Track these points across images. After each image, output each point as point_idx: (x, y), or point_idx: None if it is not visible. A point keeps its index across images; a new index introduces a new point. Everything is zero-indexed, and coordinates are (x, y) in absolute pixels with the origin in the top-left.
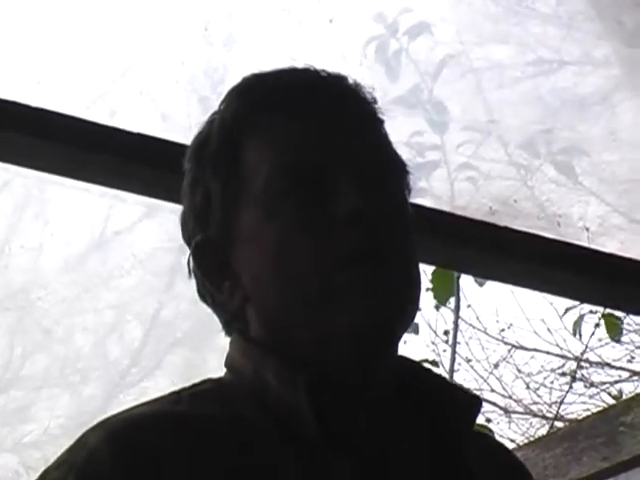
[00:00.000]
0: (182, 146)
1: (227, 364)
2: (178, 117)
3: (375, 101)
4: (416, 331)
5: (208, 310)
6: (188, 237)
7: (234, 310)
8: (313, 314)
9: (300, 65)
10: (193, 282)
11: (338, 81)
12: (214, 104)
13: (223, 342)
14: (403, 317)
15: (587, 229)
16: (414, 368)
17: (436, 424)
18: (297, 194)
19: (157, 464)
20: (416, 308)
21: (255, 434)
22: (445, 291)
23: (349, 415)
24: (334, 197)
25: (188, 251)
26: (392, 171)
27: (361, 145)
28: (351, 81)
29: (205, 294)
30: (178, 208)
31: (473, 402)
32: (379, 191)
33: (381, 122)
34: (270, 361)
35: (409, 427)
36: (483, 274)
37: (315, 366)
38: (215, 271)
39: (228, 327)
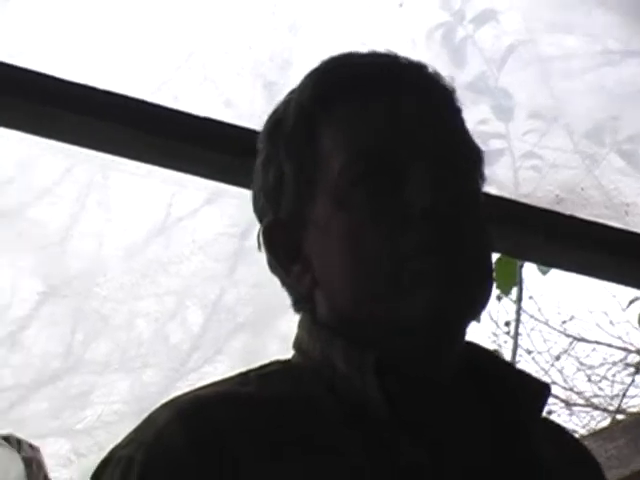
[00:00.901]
0: (246, 130)
1: (295, 346)
2: (242, 103)
3: (453, 90)
4: (478, 320)
5: (269, 296)
6: (259, 215)
7: (302, 293)
8: (382, 303)
9: (374, 49)
10: (254, 268)
11: (417, 69)
12: (279, 90)
13: (284, 328)
14: (473, 309)
15: None
16: (483, 354)
17: (504, 411)
18: (372, 182)
19: (226, 443)
20: (487, 300)
21: (323, 414)
22: (508, 280)
23: (416, 399)
24: (409, 188)
25: (254, 231)
26: (469, 161)
27: (439, 135)
28: (430, 69)
29: (275, 270)
30: (239, 194)
31: (542, 389)
32: (455, 183)
33: (459, 111)
34: (338, 343)
35: (476, 413)
36: (547, 262)
37: (382, 350)
38: (284, 254)
39: (296, 306)
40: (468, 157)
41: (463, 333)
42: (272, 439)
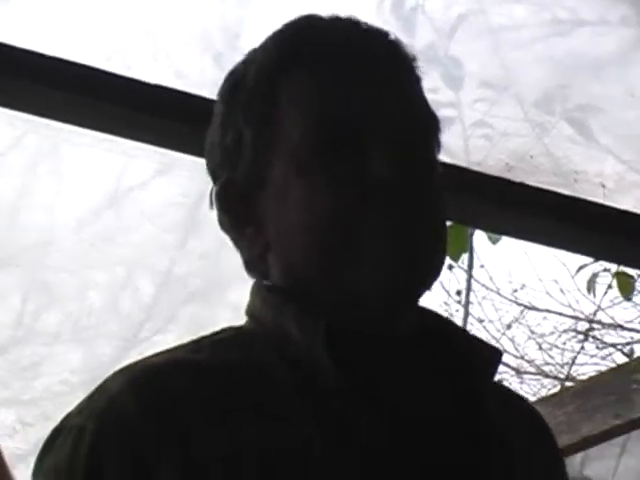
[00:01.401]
0: (197, 98)
1: (248, 312)
2: (192, 73)
3: (415, 58)
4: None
5: (219, 266)
6: (213, 171)
7: (255, 255)
8: (334, 270)
9: (335, 14)
10: (205, 238)
11: (380, 37)
12: (229, 60)
13: (234, 297)
14: (427, 279)
15: (603, 186)
16: (437, 321)
17: (456, 374)
18: (331, 150)
19: (178, 410)
20: (441, 269)
21: (274, 382)
22: (458, 247)
23: (368, 364)
24: (368, 158)
25: (206, 202)
26: (427, 131)
27: (400, 105)
28: (392, 37)
29: (227, 230)
30: (191, 164)
31: (494, 354)
32: (413, 153)
33: (419, 80)
34: (290, 308)
35: (429, 377)
36: (497, 229)
37: (334, 315)
38: (238, 215)
39: (249, 267)
40: (427, 127)
41: (417, 300)
42: (224, 406)
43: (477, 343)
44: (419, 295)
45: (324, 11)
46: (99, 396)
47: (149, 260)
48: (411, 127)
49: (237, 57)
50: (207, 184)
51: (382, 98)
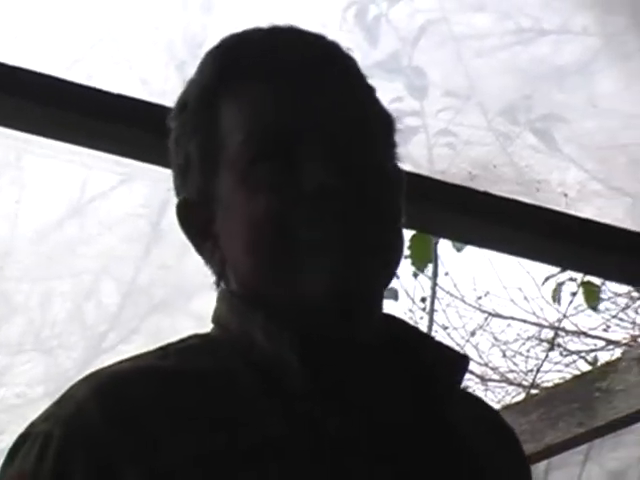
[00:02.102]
0: (159, 107)
1: (214, 319)
2: (156, 82)
3: (354, 61)
4: (395, 297)
5: (182, 276)
6: (175, 193)
7: (215, 269)
8: (279, 280)
9: (276, 24)
10: (168, 248)
11: (317, 42)
12: (192, 68)
13: (197, 307)
14: (373, 284)
15: (565, 195)
16: (402, 327)
17: (422, 382)
18: (269, 160)
19: (145, 419)
20: (390, 273)
21: (242, 388)
22: (423, 257)
23: (335, 369)
24: (305, 165)
25: (168, 212)
26: (373, 132)
27: (336, 108)
28: (330, 41)
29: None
30: (153, 174)
31: (460, 361)
32: (353, 157)
33: (362, 82)
34: (258, 316)
35: (395, 383)
36: (461, 238)
37: (299, 321)
38: (197, 231)
39: (215, 279)
40: (371, 127)
41: (370, 302)
42: (190, 413)
43: (444, 350)
44: (369, 299)
45: (286, 20)
46: (66, 403)
47: (112, 270)
48: (349, 130)
49: None
50: (169, 193)
51: (317, 104)
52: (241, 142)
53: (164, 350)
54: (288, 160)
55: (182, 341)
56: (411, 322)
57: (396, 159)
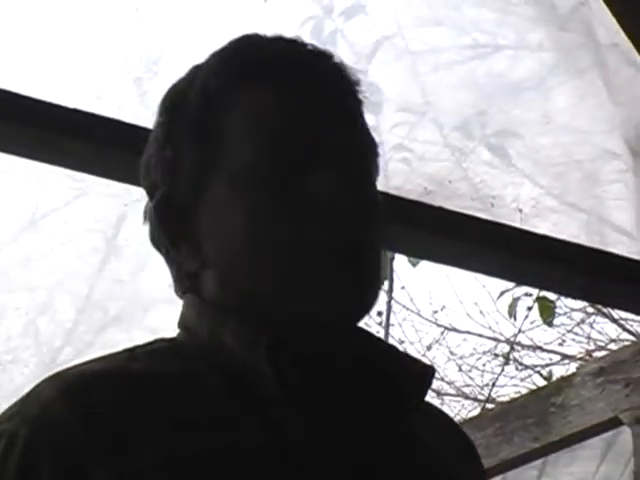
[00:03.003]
0: (115, 121)
1: (181, 324)
2: (111, 98)
3: (359, 82)
4: None
5: (138, 290)
6: (150, 185)
7: (190, 271)
8: (281, 293)
9: (279, 34)
10: (123, 263)
11: (325, 57)
12: (147, 85)
13: (152, 321)
14: (368, 308)
15: (520, 210)
16: (369, 338)
17: (388, 391)
18: (277, 170)
19: (112, 419)
20: (378, 298)
21: (207, 389)
22: None
23: (306, 375)
24: (316, 180)
25: (123, 226)
26: (371, 156)
27: (345, 125)
28: (337, 59)
29: (160, 245)
30: (106, 190)
31: (425, 371)
32: (359, 180)
33: (362, 103)
34: (230, 322)
35: (362, 394)
36: (416, 253)
37: (276, 331)
38: (175, 229)
39: (179, 283)
40: (370, 151)
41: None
42: (157, 415)
43: (409, 361)
44: (365, 314)
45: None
46: (31, 402)
47: (67, 285)
48: (356, 151)
49: (156, 81)
50: (124, 208)
51: (329, 118)
52: (249, 149)
53: (131, 352)
54: (295, 172)
55: (149, 344)
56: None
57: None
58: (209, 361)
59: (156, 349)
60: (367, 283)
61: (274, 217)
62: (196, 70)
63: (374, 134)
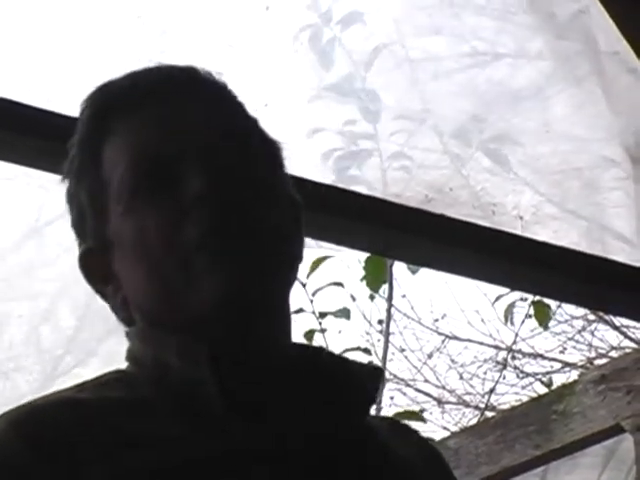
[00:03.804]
0: None
1: (129, 357)
2: None
3: (225, 85)
4: (347, 316)
5: None
6: (78, 247)
7: (118, 311)
8: (178, 299)
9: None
10: None
11: (186, 73)
12: None
13: None
14: (265, 293)
15: (521, 218)
16: (309, 350)
17: (337, 400)
18: (149, 187)
19: (63, 446)
20: (283, 284)
21: (156, 412)
22: (378, 278)
23: (251, 387)
24: (183, 183)
25: None
26: (249, 153)
27: (206, 129)
28: (202, 71)
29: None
30: None
31: (372, 375)
32: (230, 173)
33: (231, 102)
34: (171, 341)
35: (307, 402)
36: (417, 261)
37: (211, 342)
38: (99, 279)
39: (119, 320)
40: (243, 142)
41: (267, 315)
42: (108, 438)
43: (353, 366)
44: (266, 311)
45: (241, 44)
46: None
47: (70, 292)
48: (220, 143)
49: None
50: None
51: (183, 126)
52: (121, 174)
53: (81, 385)
54: (166, 184)
55: (99, 377)
56: (367, 345)
57: (287, 182)
58: (159, 386)
59: (105, 380)
60: (255, 266)
61: (154, 231)
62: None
63: (372, 141)
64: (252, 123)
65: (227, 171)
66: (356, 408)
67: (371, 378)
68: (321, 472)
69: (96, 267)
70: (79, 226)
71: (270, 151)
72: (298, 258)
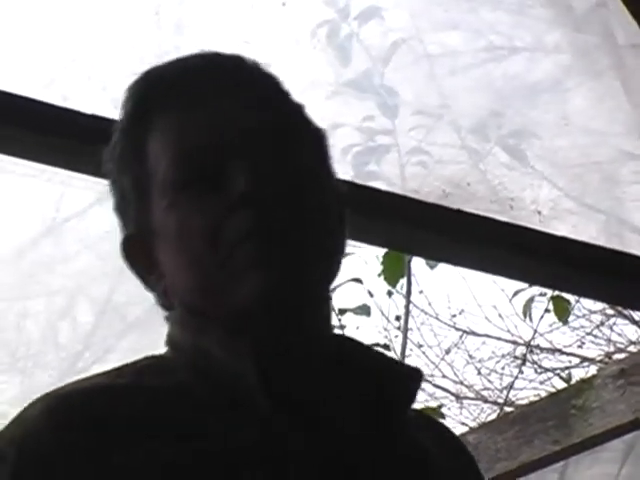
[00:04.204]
0: None
1: (168, 342)
2: None
3: (274, 77)
4: (367, 313)
5: None
6: (121, 232)
7: (162, 300)
8: (220, 294)
9: (201, 51)
10: None
11: (233, 63)
12: None
13: None
14: (308, 290)
15: (539, 212)
16: (354, 345)
17: (376, 398)
18: (194, 181)
19: (98, 434)
20: (327, 279)
21: (197, 402)
22: (395, 274)
23: (291, 380)
24: (230, 180)
25: None
26: (295, 144)
27: (252, 122)
28: (248, 61)
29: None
30: None
31: (412, 375)
32: (276, 167)
33: (283, 97)
34: (213, 331)
35: (348, 400)
36: (435, 257)
37: (252, 335)
38: (142, 266)
39: (159, 305)
40: (294, 138)
41: (313, 314)
42: (144, 428)
43: (396, 367)
44: (308, 307)
45: (258, 40)
46: (18, 423)
47: (88, 289)
48: (268, 140)
49: None
50: None
51: (232, 120)
52: (166, 168)
53: (119, 370)
54: (212, 179)
55: (137, 362)
56: (385, 341)
57: (332, 171)
58: (198, 373)
59: (144, 365)
60: (291, 259)
61: (198, 226)
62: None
63: (390, 137)
64: (299, 113)
65: (272, 167)
66: (397, 408)
67: (412, 377)
68: (355, 468)
69: (138, 253)
70: (122, 211)
71: (316, 141)
72: (341, 252)
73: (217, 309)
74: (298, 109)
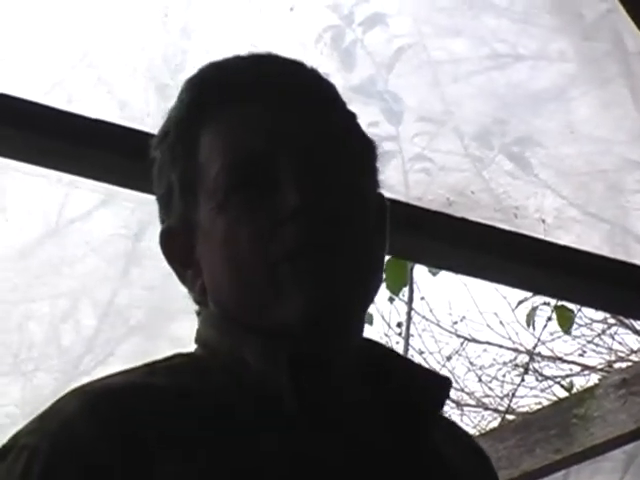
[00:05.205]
0: (137, 132)
1: (199, 340)
2: (135, 105)
3: (332, 86)
4: (370, 322)
5: (161, 299)
6: (160, 221)
7: (197, 297)
8: (258, 309)
9: (259, 51)
10: (147, 270)
11: (292, 69)
12: (172, 92)
13: (176, 330)
14: (352, 308)
15: (543, 221)
16: (385, 352)
17: (406, 405)
18: (247, 187)
19: (136, 434)
20: (370, 297)
21: (230, 405)
22: (398, 281)
23: (325, 392)
24: (281, 191)
25: (147, 234)
26: (350, 153)
27: (311, 131)
28: (306, 67)
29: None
30: (133, 196)
31: (442, 383)
32: (328, 182)
33: (337, 105)
34: (250, 339)
35: (378, 409)
36: (438, 264)
37: (294, 345)
38: (178, 259)
39: (192, 300)
40: (347, 152)
41: (348, 329)
42: (180, 430)
43: (426, 375)
44: (349, 325)
45: (264, 45)
46: (53, 417)
47: (91, 291)
48: (324, 152)
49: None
50: (150, 215)
51: (290, 128)
52: (218, 171)
53: (151, 367)
54: (264, 187)
55: (168, 359)
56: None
57: (378, 184)
58: (232, 377)
59: (176, 364)
60: (338, 279)
61: (245, 234)
62: (176, 101)
63: (394, 143)
64: (353, 124)
65: (325, 182)
66: (425, 417)
67: (441, 386)
68: (380, 476)
69: (177, 247)
70: (165, 202)
71: (367, 154)
72: (382, 269)
73: (256, 320)
74: (352, 120)
